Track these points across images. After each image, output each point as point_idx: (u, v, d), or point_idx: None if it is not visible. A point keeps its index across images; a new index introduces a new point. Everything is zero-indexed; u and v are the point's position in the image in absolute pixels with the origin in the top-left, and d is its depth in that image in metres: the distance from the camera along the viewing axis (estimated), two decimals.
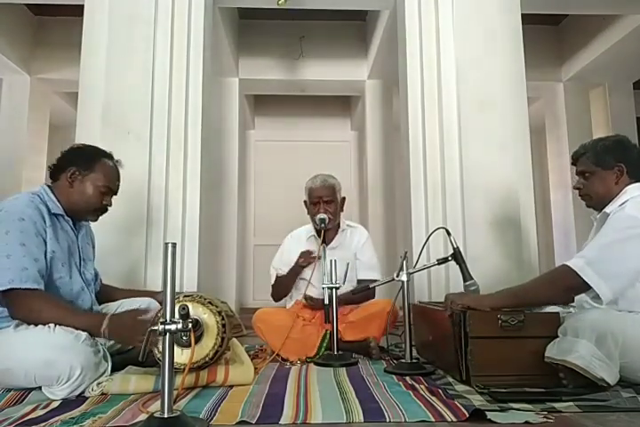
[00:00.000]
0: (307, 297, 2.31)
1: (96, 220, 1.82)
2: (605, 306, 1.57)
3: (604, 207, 1.69)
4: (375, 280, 2.41)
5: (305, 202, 2.52)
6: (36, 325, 1.50)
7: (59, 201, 1.69)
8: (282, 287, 2.46)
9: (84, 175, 1.72)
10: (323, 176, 2.46)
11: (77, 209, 1.73)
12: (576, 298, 1.67)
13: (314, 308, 2.30)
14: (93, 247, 1.92)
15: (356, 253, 2.48)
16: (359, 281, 2.46)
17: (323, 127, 6.13)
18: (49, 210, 1.64)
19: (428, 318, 1.97)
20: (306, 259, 2.36)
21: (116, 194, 1.82)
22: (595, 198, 1.73)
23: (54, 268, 1.61)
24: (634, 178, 1.68)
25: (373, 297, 2.41)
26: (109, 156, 1.80)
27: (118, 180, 1.82)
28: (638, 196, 1.61)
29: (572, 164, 1.80)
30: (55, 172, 1.74)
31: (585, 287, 1.51)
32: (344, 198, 2.51)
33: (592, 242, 1.61)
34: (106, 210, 1.80)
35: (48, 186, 1.73)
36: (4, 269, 1.48)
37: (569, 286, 1.54)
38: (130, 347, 1.73)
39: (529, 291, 1.63)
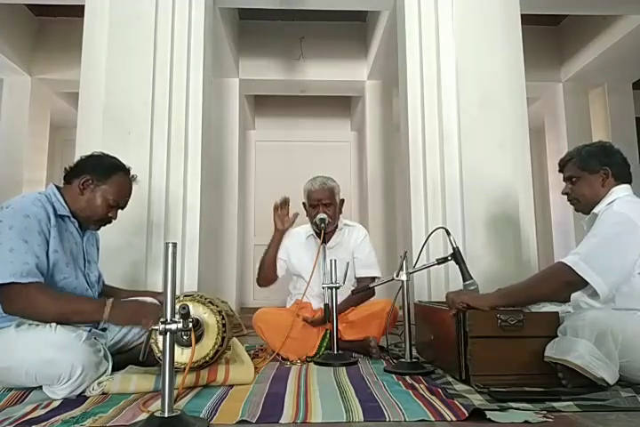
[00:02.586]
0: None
1: (97, 229, 1.82)
2: (603, 304, 1.58)
3: (591, 210, 1.72)
4: (374, 277, 2.42)
5: (303, 204, 2.51)
6: (36, 320, 1.51)
7: (66, 203, 1.69)
8: (264, 264, 2.44)
9: (96, 185, 1.72)
10: (322, 178, 2.45)
11: (82, 216, 1.73)
12: (572, 298, 1.68)
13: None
14: (98, 249, 1.93)
15: (354, 251, 2.48)
16: (358, 279, 2.47)
17: (323, 127, 6.13)
18: (55, 210, 1.64)
19: (430, 317, 1.97)
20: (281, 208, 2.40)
21: (123, 209, 1.82)
22: (582, 201, 1.76)
23: (57, 268, 1.61)
24: (619, 180, 1.72)
25: (373, 295, 2.42)
26: (127, 170, 1.80)
27: (129, 196, 1.82)
28: (625, 196, 1.66)
29: (560, 171, 1.84)
30: (70, 175, 1.74)
31: (581, 283, 1.53)
32: (343, 200, 2.51)
33: (584, 239, 1.64)
34: (109, 222, 1.80)
35: (57, 186, 1.73)
36: (7, 263, 1.48)
37: (566, 282, 1.56)
38: (130, 346, 1.74)
39: (526, 289, 1.64)
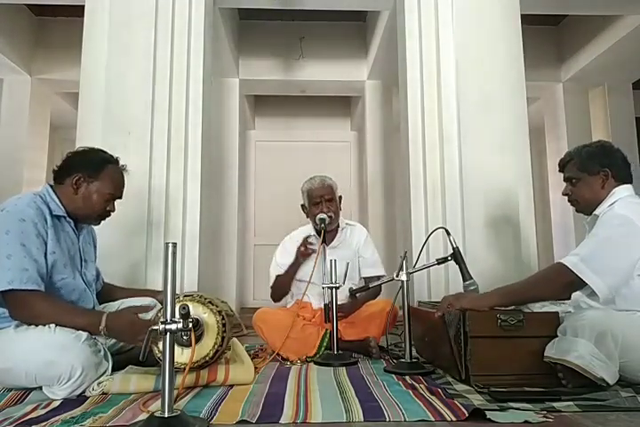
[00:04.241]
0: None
1: (98, 224, 1.82)
2: (603, 305, 1.58)
3: (592, 211, 1.72)
4: (380, 276, 2.42)
5: (302, 206, 2.52)
6: (37, 325, 1.51)
7: (61, 202, 1.69)
8: (282, 285, 2.45)
9: (89, 182, 1.71)
10: (319, 177, 2.48)
11: (81, 214, 1.72)
12: (573, 297, 1.68)
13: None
14: (95, 247, 1.92)
15: (359, 250, 2.50)
16: (366, 279, 2.47)
17: (323, 127, 6.13)
18: (51, 211, 1.64)
19: (422, 319, 1.96)
20: (305, 247, 2.34)
21: (120, 198, 1.81)
22: (582, 203, 1.77)
23: (55, 269, 1.61)
24: (619, 181, 1.71)
25: (380, 293, 2.43)
26: (116, 161, 1.79)
27: (123, 186, 1.81)
28: (626, 197, 1.66)
29: (560, 171, 1.84)
30: (60, 175, 1.73)
31: (580, 284, 1.53)
32: (341, 197, 2.53)
33: (585, 240, 1.65)
34: (109, 215, 1.80)
35: (51, 186, 1.72)
36: (5, 270, 1.48)
37: (565, 282, 1.56)
38: (130, 346, 1.74)
39: (525, 289, 1.64)
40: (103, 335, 1.52)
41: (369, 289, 2.23)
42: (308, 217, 2.50)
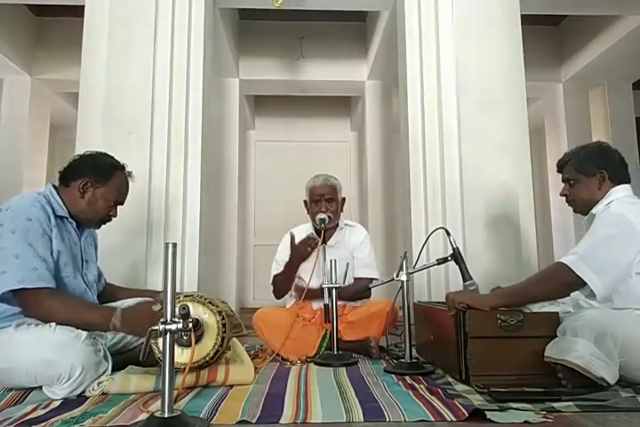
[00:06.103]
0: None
1: (98, 228, 1.83)
2: (601, 304, 1.59)
3: (589, 211, 1.74)
4: (371, 278, 2.42)
5: (305, 202, 2.52)
6: (46, 322, 1.51)
7: (64, 204, 1.69)
8: (281, 285, 2.45)
9: (96, 187, 1.72)
10: (324, 176, 2.48)
11: (83, 217, 1.73)
12: (572, 297, 1.69)
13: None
14: (96, 248, 1.92)
15: (353, 250, 2.49)
16: (355, 279, 2.46)
17: (323, 128, 6.13)
18: (54, 211, 1.64)
19: (430, 317, 1.97)
20: (306, 244, 2.30)
21: (122, 204, 1.82)
22: (580, 204, 1.78)
23: (59, 268, 1.62)
24: (616, 182, 1.73)
25: (369, 296, 2.42)
26: (123, 168, 1.80)
27: (127, 192, 1.83)
28: (623, 197, 1.68)
29: (558, 171, 1.85)
30: (66, 177, 1.73)
31: (580, 283, 1.54)
32: (344, 199, 2.52)
33: (583, 239, 1.66)
34: (110, 220, 1.80)
35: (54, 187, 1.72)
36: (14, 269, 1.48)
37: (565, 282, 1.57)
38: (131, 346, 1.74)
39: (526, 289, 1.65)
40: (114, 329, 1.50)
41: (369, 289, 2.23)
42: (308, 213, 2.51)
